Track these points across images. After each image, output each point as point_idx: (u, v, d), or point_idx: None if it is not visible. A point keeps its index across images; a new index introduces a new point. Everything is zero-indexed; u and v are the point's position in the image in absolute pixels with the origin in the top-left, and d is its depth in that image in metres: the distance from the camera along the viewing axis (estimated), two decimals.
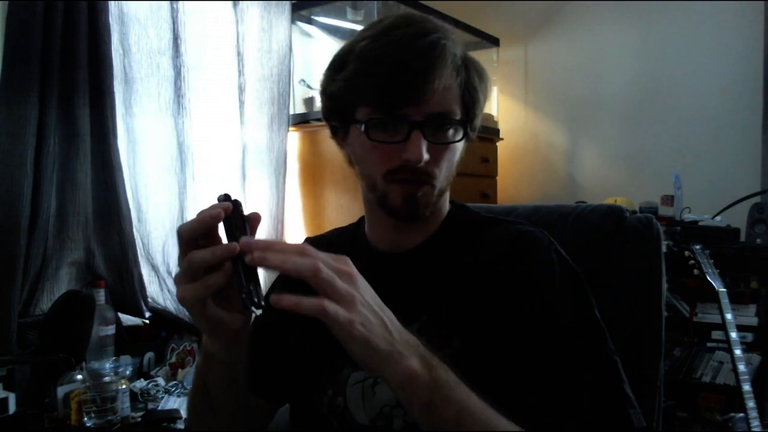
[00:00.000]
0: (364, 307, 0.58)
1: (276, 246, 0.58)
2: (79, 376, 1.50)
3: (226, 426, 0.80)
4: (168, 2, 2.04)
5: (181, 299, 0.62)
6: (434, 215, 0.86)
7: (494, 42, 3.18)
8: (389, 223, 0.85)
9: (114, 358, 1.67)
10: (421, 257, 0.85)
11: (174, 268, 2.07)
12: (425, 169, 0.77)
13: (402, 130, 0.75)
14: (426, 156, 0.75)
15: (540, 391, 0.71)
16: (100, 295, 1.76)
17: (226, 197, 0.65)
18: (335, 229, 1.00)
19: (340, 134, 0.86)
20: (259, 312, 0.59)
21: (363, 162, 0.81)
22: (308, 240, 1.01)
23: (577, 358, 0.72)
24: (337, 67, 0.81)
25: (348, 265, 0.60)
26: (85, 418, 1.42)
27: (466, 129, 0.80)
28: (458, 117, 0.78)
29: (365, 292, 0.60)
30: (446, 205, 0.89)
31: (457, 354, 0.74)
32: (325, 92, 0.84)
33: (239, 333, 0.67)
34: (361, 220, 0.94)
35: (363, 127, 0.77)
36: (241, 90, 2.31)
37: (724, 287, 2.07)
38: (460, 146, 0.81)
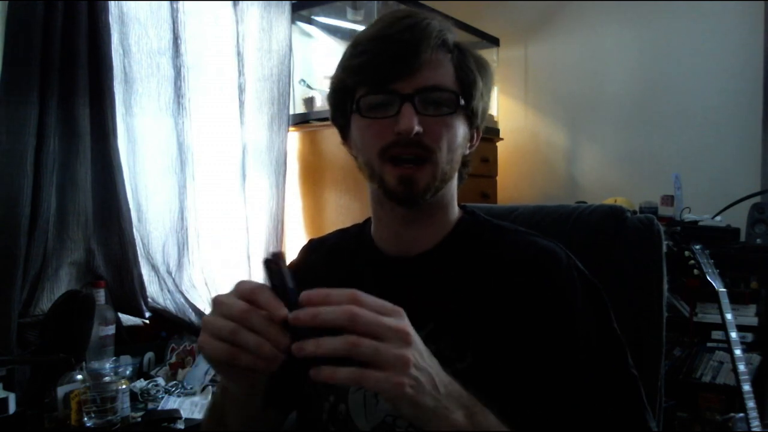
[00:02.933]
0: (417, 368, 0.57)
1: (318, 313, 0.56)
2: (79, 376, 1.50)
3: None
4: (168, 2, 2.04)
5: (212, 359, 0.60)
6: (442, 214, 0.84)
7: (494, 42, 3.18)
8: (395, 219, 0.83)
9: (114, 358, 1.67)
10: (429, 263, 0.82)
11: (174, 268, 2.07)
12: (421, 142, 0.75)
13: (394, 105, 0.75)
14: (418, 128, 0.74)
15: (561, 410, 0.71)
16: (100, 295, 1.76)
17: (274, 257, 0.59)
18: (338, 231, 0.99)
19: (347, 134, 0.85)
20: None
21: (361, 146, 0.81)
22: (311, 242, 1.00)
23: (598, 377, 0.72)
24: (338, 63, 0.82)
25: (401, 320, 0.58)
26: (85, 418, 1.42)
27: (459, 103, 0.78)
28: (452, 90, 0.78)
29: (417, 347, 0.58)
30: (454, 208, 0.86)
31: (470, 368, 0.74)
32: (329, 92, 0.85)
33: (259, 379, 0.66)
34: (367, 221, 0.92)
35: (356, 106, 0.78)
36: (241, 90, 2.31)
37: (724, 287, 2.06)
38: (458, 124, 0.79)
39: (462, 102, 0.78)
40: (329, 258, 0.93)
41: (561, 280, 0.77)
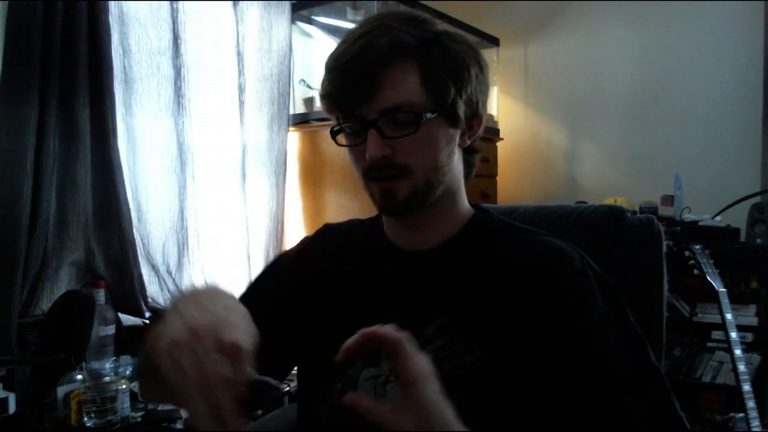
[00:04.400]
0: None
1: None
2: (79, 376, 1.50)
3: None
4: (168, 2, 2.04)
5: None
6: (446, 213, 0.84)
7: (494, 42, 3.18)
8: (398, 222, 0.85)
9: (114, 358, 1.67)
10: (441, 258, 0.83)
11: (174, 268, 2.07)
12: (392, 163, 0.76)
13: (362, 132, 0.77)
14: (385, 151, 0.75)
15: (591, 408, 0.71)
16: (100, 295, 1.76)
17: None
18: (354, 219, 0.99)
19: None
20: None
21: (352, 165, 0.83)
22: (327, 226, 1.00)
23: (624, 374, 0.73)
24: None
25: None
26: (85, 418, 1.42)
27: (420, 120, 0.75)
28: (418, 107, 0.75)
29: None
30: (462, 204, 0.87)
31: (478, 363, 0.74)
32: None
33: None
34: (380, 215, 0.93)
35: (330, 134, 0.81)
36: (241, 90, 2.31)
37: (724, 287, 2.06)
38: (434, 133, 0.77)
39: (430, 114, 0.76)
40: (344, 244, 0.94)
41: (576, 280, 0.77)
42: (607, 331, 0.75)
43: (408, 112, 0.75)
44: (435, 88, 0.76)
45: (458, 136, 0.82)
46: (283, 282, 0.93)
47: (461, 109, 0.79)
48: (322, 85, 0.79)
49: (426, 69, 0.76)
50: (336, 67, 0.76)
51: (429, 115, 0.76)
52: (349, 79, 0.75)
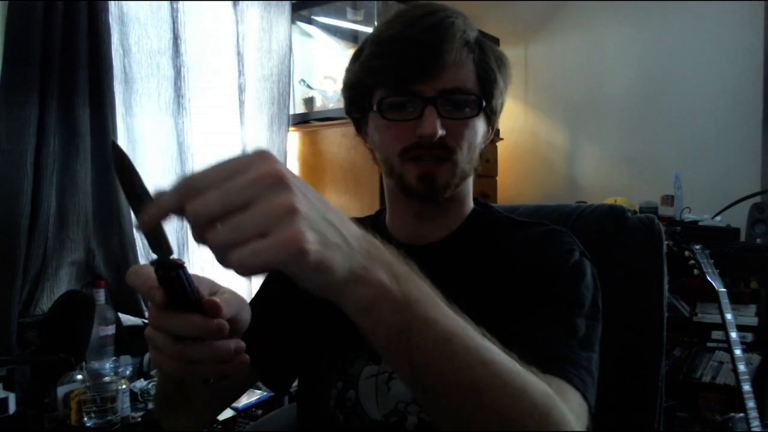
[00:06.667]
0: (310, 218, 0.42)
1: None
2: (79, 376, 1.50)
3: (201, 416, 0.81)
4: (168, 2, 2.04)
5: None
6: (456, 208, 0.85)
7: (494, 42, 3.18)
8: (410, 213, 0.84)
9: (114, 358, 1.67)
10: (443, 251, 0.83)
11: None
12: (443, 143, 0.76)
13: (416, 107, 0.76)
14: (441, 131, 0.75)
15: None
16: (100, 295, 1.76)
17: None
18: (352, 218, 0.99)
19: (362, 128, 0.86)
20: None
21: (380, 145, 0.81)
22: None
23: (571, 315, 0.69)
24: (355, 57, 0.82)
25: (261, 166, 0.42)
26: (85, 418, 1.42)
27: (481, 105, 0.78)
28: (473, 93, 0.77)
29: (304, 191, 0.43)
30: (470, 201, 0.88)
31: None
32: (345, 85, 0.85)
33: None
34: (380, 212, 0.93)
35: (377, 108, 0.78)
36: (241, 90, 2.32)
37: (724, 287, 2.06)
38: (478, 125, 0.79)
39: (483, 103, 0.78)
40: None
41: (563, 239, 0.78)
42: (575, 275, 0.73)
43: (471, 95, 0.76)
44: (486, 81, 0.79)
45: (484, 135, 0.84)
46: (285, 287, 0.92)
47: (497, 110, 0.82)
48: (372, 57, 0.78)
49: (480, 61, 0.78)
50: (400, 38, 0.75)
51: (483, 103, 0.78)
52: (416, 53, 0.74)
